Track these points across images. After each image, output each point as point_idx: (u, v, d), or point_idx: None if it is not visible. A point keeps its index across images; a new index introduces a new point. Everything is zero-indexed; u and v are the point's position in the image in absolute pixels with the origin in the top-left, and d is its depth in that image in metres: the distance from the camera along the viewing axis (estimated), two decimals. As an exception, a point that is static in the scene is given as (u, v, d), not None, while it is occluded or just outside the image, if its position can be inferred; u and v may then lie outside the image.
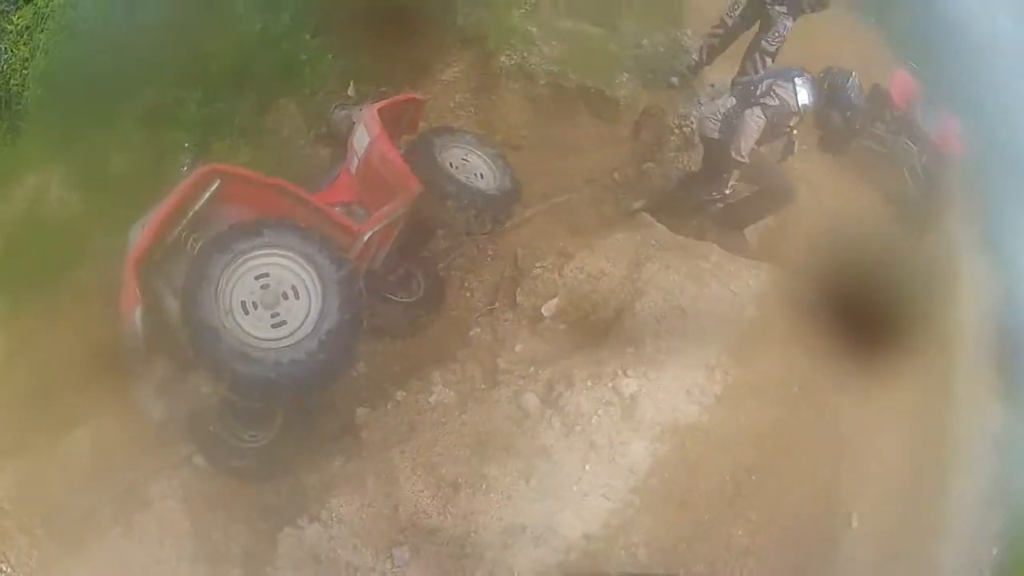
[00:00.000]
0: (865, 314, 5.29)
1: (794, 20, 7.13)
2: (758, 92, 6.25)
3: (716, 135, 6.41)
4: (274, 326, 4.53)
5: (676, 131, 7.63)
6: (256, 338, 4.46)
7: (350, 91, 7.10)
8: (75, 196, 6.37)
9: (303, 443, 5.62)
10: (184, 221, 4.87)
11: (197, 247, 4.79)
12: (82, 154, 6.50)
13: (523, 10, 7.73)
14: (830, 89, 6.54)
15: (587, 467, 4.99)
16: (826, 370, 5.56)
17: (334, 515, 5.06)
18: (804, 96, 6.21)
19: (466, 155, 5.87)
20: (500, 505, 4.88)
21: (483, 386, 5.46)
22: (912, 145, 8.06)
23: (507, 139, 7.14)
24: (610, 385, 5.22)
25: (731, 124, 6.29)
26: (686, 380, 5.37)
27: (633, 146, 7.58)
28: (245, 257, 4.56)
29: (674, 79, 7.73)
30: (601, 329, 5.66)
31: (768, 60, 7.25)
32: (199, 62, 6.67)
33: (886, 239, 5.49)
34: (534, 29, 7.58)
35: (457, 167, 5.70)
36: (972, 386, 6.33)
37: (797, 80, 6.24)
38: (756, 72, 7.19)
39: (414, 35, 6.98)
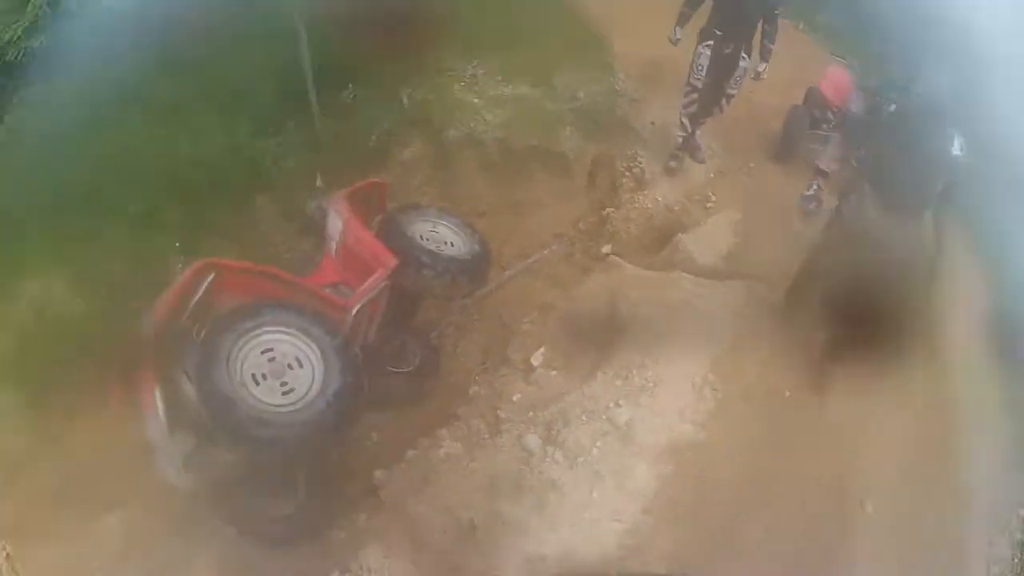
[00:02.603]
0: (853, 308, 5.34)
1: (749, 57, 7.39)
2: None
3: None
4: (284, 393, 4.82)
5: (627, 173, 7.84)
6: (269, 404, 4.73)
7: (318, 182, 7.35)
8: (79, 297, 6.47)
9: (327, 507, 5.82)
10: (187, 312, 5.16)
11: (203, 332, 5.03)
12: (80, 260, 6.59)
13: (463, 83, 8.06)
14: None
15: (594, 495, 5.15)
16: (813, 370, 5.79)
17: (363, 566, 5.22)
18: None
19: (433, 227, 6.16)
20: (517, 539, 5.05)
21: (487, 436, 5.65)
22: None
23: (472, 208, 7.43)
24: (604, 417, 5.42)
25: None
26: (678, 401, 5.58)
27: (590, 195, 7.84)
28: (250, 335, 4.88)
29: (672, 163, 7.86)
30: (589, 368, 5.85)
31: (732, 100, 7.62)
32: (174, 172, 6.95)
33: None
34: (476, 100, 7.90)
35: (427, 239, 5.99)
36: (971, 357, 6.23)
37: None
38: (720, 112, 7.70)
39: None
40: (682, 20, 7.42)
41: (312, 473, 5.75)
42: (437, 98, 7.94)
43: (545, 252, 7.41)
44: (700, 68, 7.47)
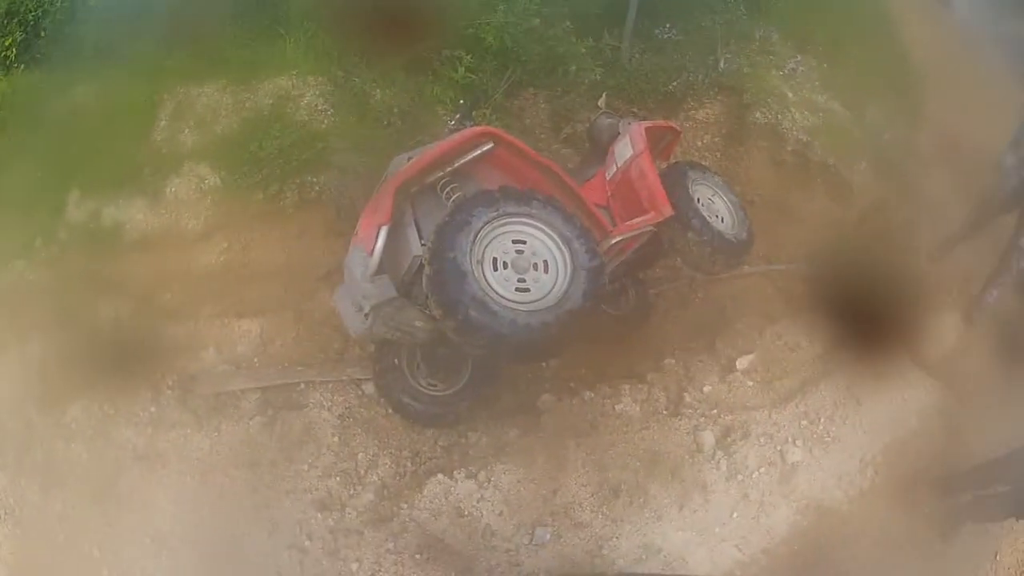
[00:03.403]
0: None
1: None
2: None
3: None
4: (518, 290, 4.71)
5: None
6: (498, 294, 4.63)
7: (601, 103, 7.29)
8: (330, 110, 6.71)
9: (477, 408, 5.92)
10: (448, 168, 5.16)
11: (453, 196, 5.08)
12: (344, 78, 6.87)
13: (782, 73, 7.92)
14: None
15: (734, 515, 5.23)
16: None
17: (492, 479, 5.35)
18: None
19: (712, 195, 5.98)
20: (649, 522, 5.14)
21: (666, 412, 5.65)
22: None
23: (744, 192, 7.23)
24: (778, 449, 5.45)
25: None
26: (842, 466, 5.54)
27: (857, 232, 7.48)
28: (509, 219, 4.78)
29: None
30: (784, 395, 5.78)
31: None
32: (474, 32, 7.02)
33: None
34: (790, 94, 7.71)
35: (703, 204, 5.81)
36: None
37: None
38: None
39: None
40: None
41: (483, 366, 5.83)
42: (752, 74, 7.79)
43: (792, 265, 7.20)
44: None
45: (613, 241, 5.41)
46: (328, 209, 6.44)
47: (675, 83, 7.71)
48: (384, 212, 5.02)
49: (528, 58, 7.25)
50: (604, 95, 7.39)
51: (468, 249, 4.64)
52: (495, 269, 4.74)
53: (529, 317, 4.65)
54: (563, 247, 4.85)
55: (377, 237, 5.01)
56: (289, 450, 5.66)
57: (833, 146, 7.46)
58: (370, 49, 6.87)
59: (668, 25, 7.91)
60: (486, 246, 4.77)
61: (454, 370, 5.85)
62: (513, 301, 4.68)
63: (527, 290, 4.76)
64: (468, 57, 7.00)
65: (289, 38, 6.96)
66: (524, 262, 4.80)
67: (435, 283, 4.64)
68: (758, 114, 7.51)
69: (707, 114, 7.72)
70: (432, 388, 5.87)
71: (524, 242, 4.84)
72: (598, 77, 7.41)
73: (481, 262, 4.71)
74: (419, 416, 5.92)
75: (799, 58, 8.19)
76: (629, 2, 7.35)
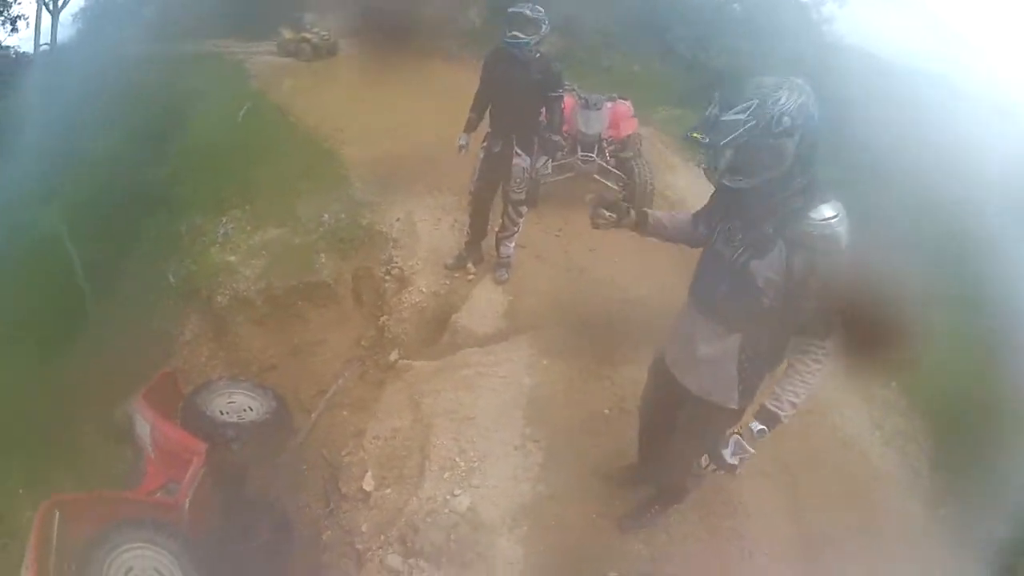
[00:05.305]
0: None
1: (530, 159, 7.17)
2: None
3: None
4: None
5: (387, 277, 8.18)
6: None
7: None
8: None
9: None
10: (52, 556, 5.16)
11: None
12: None
13: (217, 245, 8.39)
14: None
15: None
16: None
17: None
18: None
19: (229, 398, 6.35)
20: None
21: (354, 572, 5.75)
22: (588, 154, 8.59)
23: (261, 365, 7.69)
24: (447, 511, 5.69)
25: None
26: (507, 467, 6.00)
27: (362, 311, 8.14)
28: (108, 560, 5.02)
29: (448, 261, 8.00)
30: (417, 472, 6.05)
31: (522, 209, 7.46)
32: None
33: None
34: (232, 257, 8.22)
35: (227, 411, 6.20)
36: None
37: None
38: (515, 227, 7.54)
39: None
40: (468, 126, 7.20)
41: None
42: (199, 267, 8.24)
43: (339, 382, 7.61)
44: (474, 171, 7.40)
45: (187, 504, 5.54)
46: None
47: (154, 322, 8.14)
48: None
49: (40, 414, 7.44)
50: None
51: None
52: None
53: None
54: (155, 548, 5.17)
55: None
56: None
57: (288, 267, 8.17)
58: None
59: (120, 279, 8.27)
60: None
61: None
62: None
63: None
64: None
65: None
66: None
67: None
68: (218, 297, 7.99)
69: (191, 331, 8.08)
70: None
71: (132, 567, 5.12)
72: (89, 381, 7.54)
73: None
74: None
75: (225, 219, 8.82)
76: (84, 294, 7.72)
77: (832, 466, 6.47)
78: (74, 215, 8.27)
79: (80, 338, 7.91)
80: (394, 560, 5.62)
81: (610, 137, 8.93)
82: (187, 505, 5.55)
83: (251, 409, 6.35)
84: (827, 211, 3.68)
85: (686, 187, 9.85)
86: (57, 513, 5.32)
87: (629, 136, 8.99)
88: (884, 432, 7.03)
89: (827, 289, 3.75)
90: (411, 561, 5.56)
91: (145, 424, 5.96)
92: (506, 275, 7.80)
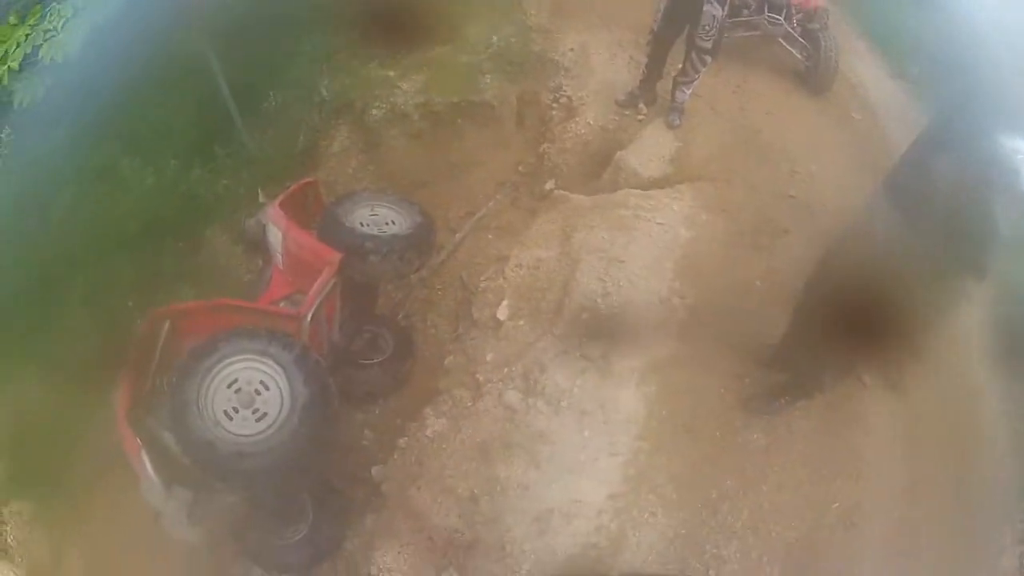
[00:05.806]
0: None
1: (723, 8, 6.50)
2: None
3: None
4: (258, 420, 4.65)
5: (555, 105, 7.73)
6: (247, 436, 4.59)
7: (260, 198, 7.26)
8: (53, 395, 6.33)
9: (339, 519, 5.88)
10: (153, 365, 5.14)
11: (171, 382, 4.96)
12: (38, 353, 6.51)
13: (375, 62, 7.95)
14: None
15: (585, 433, 5.21)
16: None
17: (380, 567, 5.24)
18: None
19: (372, 210, 5.98)
20: (520, 498, 5.08)
21: (470, 403, 5.58)
22: (776, 16, 8.10)
23: (412, 180, 7.37)
24: (578, 354, 5.45)
25: None
26: (648, 318, 5.63)
27: (523, 136, 7.75)
28: (211, 373, 4.73)
29: (620, 97, 7.56)
30: (555, 309, 5.81)
31: (706, 58, 6.80)
32: (111, 230, 6.81)
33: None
34: (391, 73, 7.78)
35: (368, 224, 5.83)
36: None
37: None
38: (696, 74, 6.93)
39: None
40: None
41: (315, 489, 5.79)
42: (354, 81, 7.84)
43: (491, 204, 7.35)
44: (657, 11, 6.91)
45: (309, 317, 5.32)
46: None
47: (301, 136, 7.73)
48: (130, 442, 4.96)
49: (173, 215, 7.15)
50: (259, 190, 7.36)
51: (200, 422, 4.61)
52: (231, 419, 4.66)
53: (279, 436, 4.63)
54: (265, 359, 4.81)
55: (143, 463, 4.94)
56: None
57: (450, 84, 7.66)
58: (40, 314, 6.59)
59: (270, 94, 7.84)
60: (212, 406, 4.69)
61: (296, 506, 5.77)
62: (260, 432, 4.64)
63: (264, 415, 4.69)
64: (124, 256, 6.82)
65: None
66: (246, 396, 4.73)
67: (198, 465, 4.71)
68: (373, 111, 7.61)
69: (340, 143, 7.77)
70: (296, 534, 5.77)
71: (236, 380, 4.77)
72: (229, 186, 7.39)
73: (219, 423, 4.64)
74: (306, 563, 5.85)
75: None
76: (228, 103, 7.30)
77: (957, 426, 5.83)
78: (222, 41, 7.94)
79: (221, 149, 7.67)
80: (512, 396, 5.47)
81: (798, 4, 8.28)
82: (310, 316, 5.34)
83: (393, 223, 5.97)
84: None
85: (868, 74, 8.87)
86: (167, 324, 5.20)
87: (817, 9, 8.31)
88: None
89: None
90: (530, 400, 5.41)
91: (278, 232, 5.68)
92: (678, 120, 7.27)
